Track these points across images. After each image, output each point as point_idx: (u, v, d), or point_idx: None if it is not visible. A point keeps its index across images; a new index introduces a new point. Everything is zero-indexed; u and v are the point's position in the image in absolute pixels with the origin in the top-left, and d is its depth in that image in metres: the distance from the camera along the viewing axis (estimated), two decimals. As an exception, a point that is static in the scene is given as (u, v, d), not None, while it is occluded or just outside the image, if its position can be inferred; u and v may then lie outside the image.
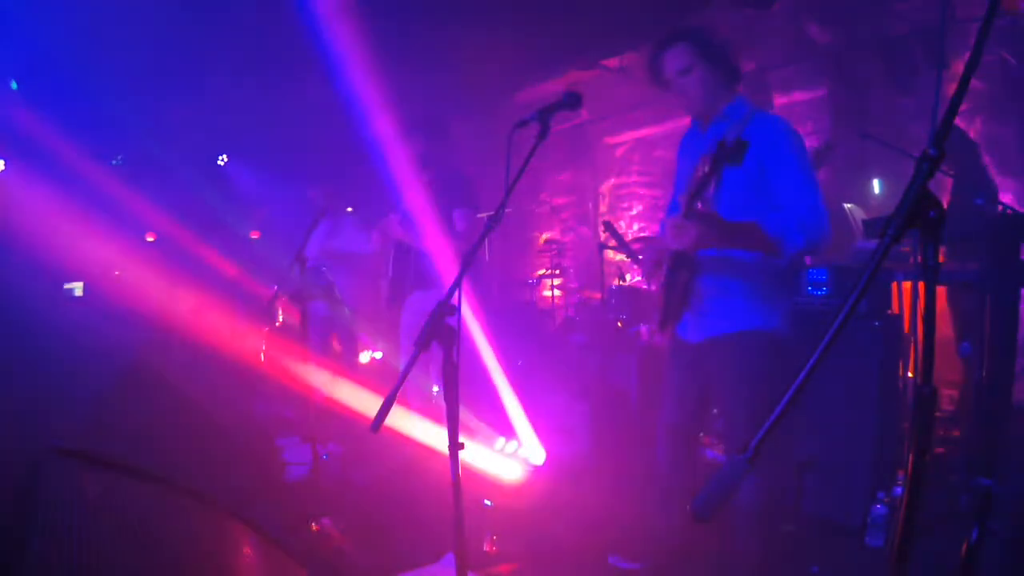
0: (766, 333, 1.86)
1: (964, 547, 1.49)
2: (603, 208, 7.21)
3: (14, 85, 4.80)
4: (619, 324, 3.98)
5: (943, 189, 3.45)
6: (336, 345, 4.06)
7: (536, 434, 3.35)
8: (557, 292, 6.02)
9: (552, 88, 6.02)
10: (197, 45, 4.33)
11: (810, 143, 5.60)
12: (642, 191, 6.83)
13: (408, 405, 3.29)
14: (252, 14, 4.02)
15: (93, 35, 4.07)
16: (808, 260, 3.82)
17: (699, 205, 1.82)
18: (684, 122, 2.17)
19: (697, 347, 1.96)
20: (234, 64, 4.59)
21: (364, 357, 5.08)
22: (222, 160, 6.47)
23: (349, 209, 4.16)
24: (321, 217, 2.97)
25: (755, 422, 1.91)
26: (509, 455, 3.24)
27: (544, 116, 1.50)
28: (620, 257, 5.12)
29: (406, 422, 3.25)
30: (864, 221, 2.97)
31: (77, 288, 5.45)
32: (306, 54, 4.58)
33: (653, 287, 2.11)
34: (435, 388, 3.27)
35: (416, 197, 3.24)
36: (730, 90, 1.94)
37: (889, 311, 2.55)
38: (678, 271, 1.89)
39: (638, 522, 2.43)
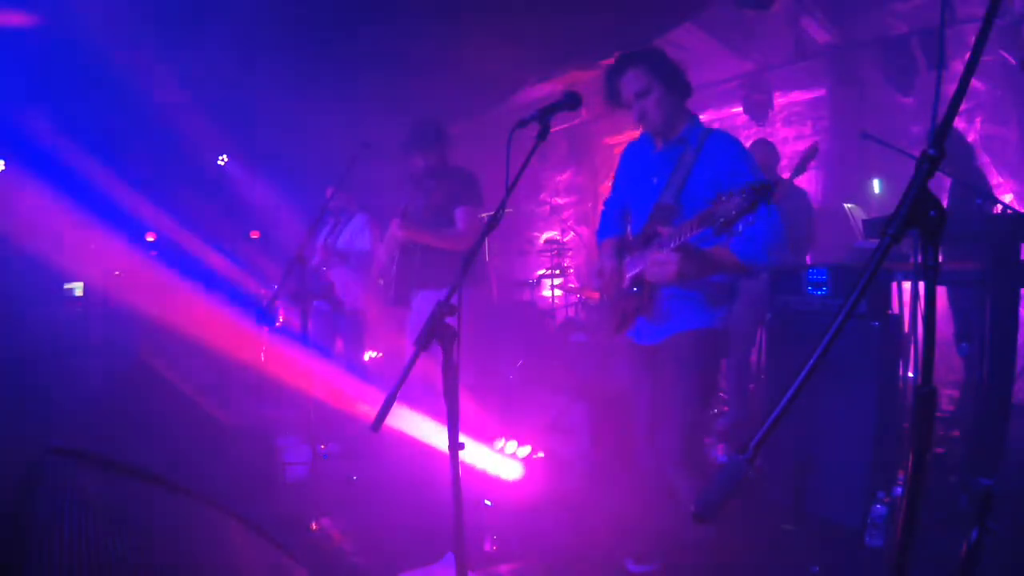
0: (713, 331, 2.00)
1: (964, 547, 1.49)
2: (602, 208, 7.21)
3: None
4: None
5: (942, 189, 3.45)
6: (337, 345, 4.05)
7: (535, 434, 3.35)
8: (557, 292, 6.02)
9: (552, 88, 6.02)
10: (197, 43, 4.33)
11: (810, 143, 5.62)
12: (642, 191, 6.83)
13: (411, 405, 3.30)
14: (253, 13, 4.01)
15: (92, 34, 4.07)
16: (808, 260, 3.84)
17: (661, 230, 1.90)
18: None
19: (652, 348, 2.08)
20: (237, 63, 4.59)
21: (365, 357, 5.07)
22: (222, 160, 6.47)
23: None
24: (324, 216, 2.96)
25: (691, 401, 1.96)
26: (509, 455, 3.24)
27: (544, 116, 1.50)
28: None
29: (407, 422, 3.25)
30: (864, 221, 2.97)
31: (77, 288, 5.45)
32: (308, 53, 4.59)
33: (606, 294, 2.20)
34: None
35: (417, 199, 3.25)
36: (684, 109, 2.02)
37: (889, 311, 2.55)
38: (638, 284, 1.99)
39: (645, 523, 2.43)
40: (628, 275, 2.04)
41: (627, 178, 2.24)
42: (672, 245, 1.77)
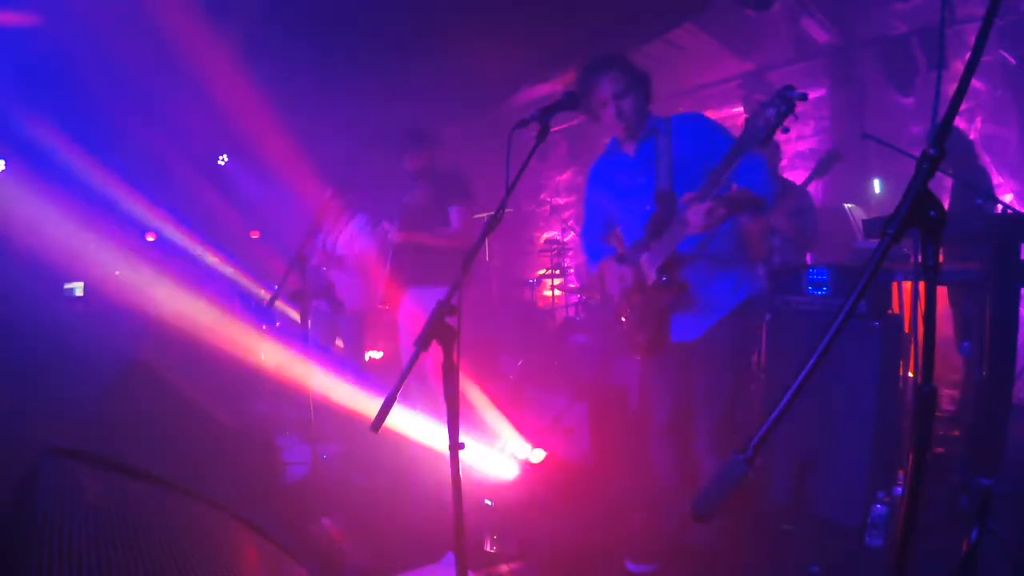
0: (747, 303, 2.07)
1: (964, 547, 1.50)
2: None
3: None
4: (623, 319, 3.99)
5: (943, 189, 3.45)
6: (337, 345, 4.06)
7: (534, 434, 3.36)
8: (557, 292, 6.02)
9: (552, 88, 6.02)
10: (197, 44, 4.33)
11: (810, 144, 5.59)
12: (642, 191, 6.83)
13: (412, 407, 3.31)
14: (254, 13, 4.02)
15: (92, 34, 4.07)
16: (809, 259, 3.84)
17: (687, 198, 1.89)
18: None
19: (689, 345, 2.08)
20: (237, 63, 4.59)
21: (364, 357, 5.08)
22: (222, 160, 6.47)
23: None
24: (324, 216, 2.98)
25: (729, 388, 2.03)
26: (509, 455, 3.25)
27: (544, 116, 1.50)
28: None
29: (406, 422, 3.25)
30: (864, 221, 2.97)
31: (77, 288, 5.45)
32: (307, 53, 4.59)
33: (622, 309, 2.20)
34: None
35: (410, 200, 3.28)
36: (646, 111, 2.10)
37: (889, 311, 2.55)
38: (667, 272, 2.00)
39: (645, 523, 2.43)
40: (653, 269, 2.01)
41: (607, 192, 2.26)
42: (711, 194, 1.75)
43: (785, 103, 1.50)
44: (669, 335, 2.10)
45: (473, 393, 3.38)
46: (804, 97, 1.50)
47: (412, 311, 3.30)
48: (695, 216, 1.77)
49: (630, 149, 2.12)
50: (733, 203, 1.82)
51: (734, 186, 1.92)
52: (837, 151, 3.73)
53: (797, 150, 5.70)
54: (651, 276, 2.02)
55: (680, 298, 2.01)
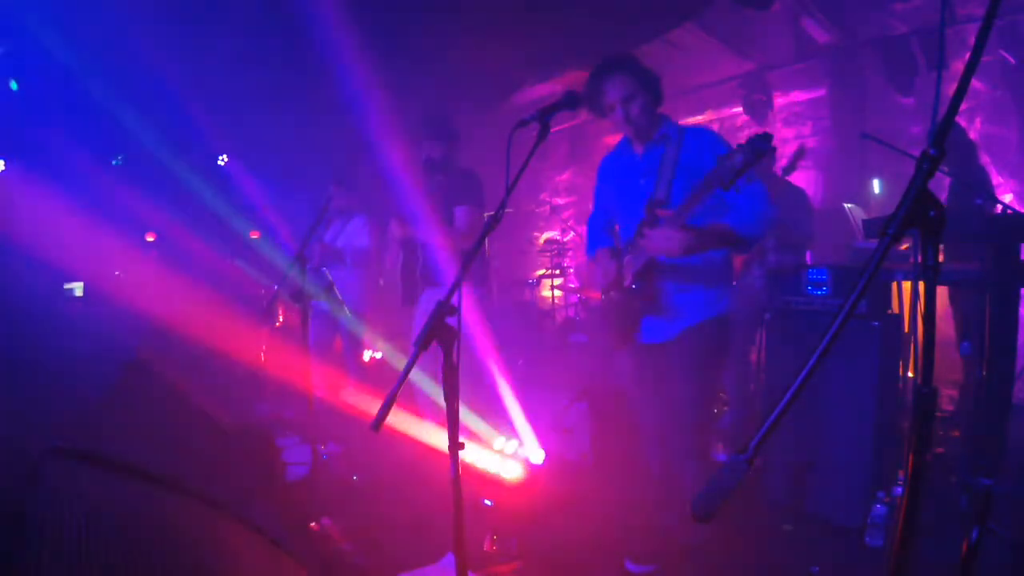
0: (719, 318, 2.06)
1: (964, 547, 1.50)
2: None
3: (14, 85, 4.80)
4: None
5: (943, 189, 3.45)
6: (338, 345, 4.05)
7: (535, 434, 3.36)
8: (557, 292, 6.02)
9: (552, 88, 6.02)
10: (199, 44, 4.33)
11: (809, 144, 5.59)
12: (642, 191, 6.83)
13: (418, 413, 3.30)
14: (256, 11, 4.02)
15: (92, 34, 4.07)
16: (809, 259, 3.84)
17: (662, 214, 1.91)
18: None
19: (660, 347, 2.10)
20: (237, 63, 4.59)
21: (365, 356, 5.08)
22: (222, 160, 6.47)
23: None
24: (325, 216, 2.96)
25: (703, 395, 2.02)
26: (509, 455, 3.24)
27: (544, 116, 1.50)
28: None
29: (407, 422, 3.25)
30: (864, 221, 2.97)
31: (77, 288, 5.45)
32: (307, 53, 4.59)
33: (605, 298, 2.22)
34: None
35: (417, 198, 3.25)
36: (658, 114, 2.09)
37: (889, 311, 2.55)
38: (642, 279, 2.02)
39: (645, 523, 2.43)
40: (630, 273, 2.05)
41: (611, 188, 2.28)
42: (681, 221, 1.79)
43: (753, 153, 1.52)
44: (638, 335, 2.13)
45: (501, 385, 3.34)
46: (773, 149, 1.52)
47: (424, 313, 3.26)
48: (654, 241, 1.82)
49: (639, 150, 2.14)
50: (707, 237, 1.83)
51: (724, 222, 1.91)
52: (803, 148, 3.73)
53: (795, 150, 5.70)
54: (627, 279, 2.06)
55: (652, 305, 2.05)
